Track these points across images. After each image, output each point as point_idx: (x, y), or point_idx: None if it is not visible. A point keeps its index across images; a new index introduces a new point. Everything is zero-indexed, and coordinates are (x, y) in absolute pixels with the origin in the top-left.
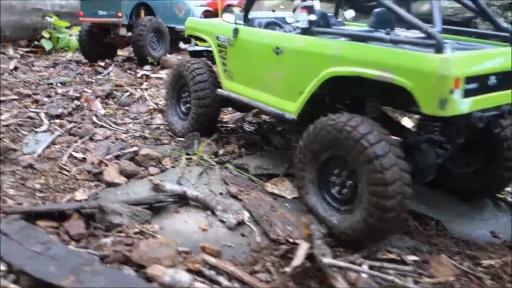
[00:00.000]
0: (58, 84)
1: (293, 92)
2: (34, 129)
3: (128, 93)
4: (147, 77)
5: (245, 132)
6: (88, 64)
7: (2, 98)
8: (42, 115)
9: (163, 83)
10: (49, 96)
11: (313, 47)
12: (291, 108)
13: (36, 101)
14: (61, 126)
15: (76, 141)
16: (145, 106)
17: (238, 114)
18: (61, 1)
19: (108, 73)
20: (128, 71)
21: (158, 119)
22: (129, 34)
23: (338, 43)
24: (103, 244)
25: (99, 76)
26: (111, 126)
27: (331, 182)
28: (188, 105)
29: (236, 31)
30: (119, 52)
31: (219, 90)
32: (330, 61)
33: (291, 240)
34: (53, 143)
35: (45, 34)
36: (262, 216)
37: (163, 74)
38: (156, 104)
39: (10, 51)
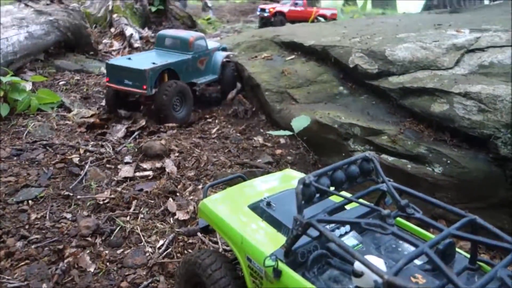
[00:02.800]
0: (30, 202)
1: None
2: None
3: (118, 227)
4: (131, 180)
5: None
6: (55, 155)
7: None
8: None
9: (151, 194)
10: (23, 238)
11: None
12: None
13: (7, 255)
14: None
15: None
16: (141, 254)
17: None
18: (13, 47)
19: (85, 175)
20: (107, 168)
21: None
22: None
23: None
24: None
25: (75, 183)
26: None
27: None
28: None
29: (278, 273)
30: None
31: None
32: None
33: None
34: None
35: None
36: None
37: (147, 166)
38: (153, 249)
39: None
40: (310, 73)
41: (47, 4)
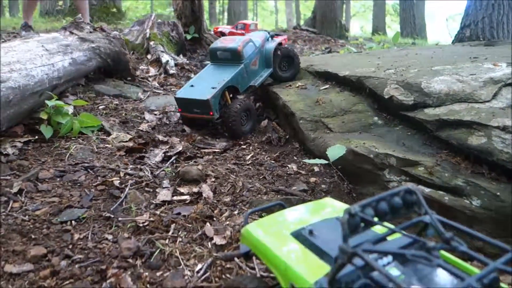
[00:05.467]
0: (73, 223)
1: None
2: None
3: (157, 250)
4: (169, 204)
5: None
6: (97, 179)
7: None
8: None
9: (188, 218)
10: (67, 257)
11: None
12: None
13: (52, 274)
14: None
15: None
16: (180, 277)
17: None
18: (58, 72)
19: (125, 198)
20: (146, 191)
21: None
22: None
23: None
24: None
25: (116, 205)
26: None
27: None
28: None
29: None
30: None
31: None
32: None
33: None
34: None
35: (43, 115)
36: None
37: (185, 191)
38: (191, 272)
39: (8, 148)
40: (344, 103)
41: (90, 32)
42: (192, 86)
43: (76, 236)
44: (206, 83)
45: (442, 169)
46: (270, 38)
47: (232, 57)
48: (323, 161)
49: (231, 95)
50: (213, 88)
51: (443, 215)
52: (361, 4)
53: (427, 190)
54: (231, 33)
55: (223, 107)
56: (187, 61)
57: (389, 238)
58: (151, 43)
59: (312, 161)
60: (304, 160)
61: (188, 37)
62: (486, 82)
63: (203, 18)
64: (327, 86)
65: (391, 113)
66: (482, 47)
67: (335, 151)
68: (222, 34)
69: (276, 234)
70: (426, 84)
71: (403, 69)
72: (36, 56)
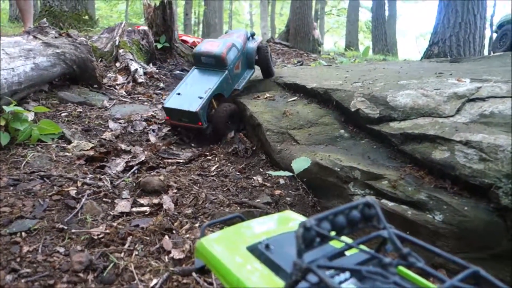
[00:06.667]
0: (23, 234)
1: None
2: None
3: (111, 264)
4: (127, 216)
5: None
6: (52, 192)
7: None
8: None
9: (146, 231)
10: (13, 271)
11: None
12: None
13: None
14: None
15: None
16: None
17: None
18: (19, 77)
19: (81, 209)
20: (104, 202)
21: None
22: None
23: None
24: None
25: (71, 216)
26: None
27: None
28: None
29: None
30: None
31: None
32: None
33: None
34: None
35: (0, 121)
36: None
37: (145, 202)
38: (146, 287)
39: None
40: (311, 115)
41: (56, 37)
42: (179, 94)
43: (26, 248)
44: (192, 91)
45: (406, 183)
46: (250, 37)
47: (216, 63)
48: (288, 173)
49: (216, 101)
50: (200, 98)
51: (406, 230)
52: (335, 20)
53: (390, 204)
54: (194, 42)
55: (209, 113)
56: (157, 70)
57: (348, 253)
58: (120, 51)
59: (276, 173)
60: (268, 172)
61: (159, 46)
62: (450, 97)
63: (174, 28)
64: (295, 98)
65: (357, 126)
66: (448, 64)
67: (300, 164)
68: (185, 42)
69: (231, 248)
70: (392, 98)
71: (370, 82)
72: None
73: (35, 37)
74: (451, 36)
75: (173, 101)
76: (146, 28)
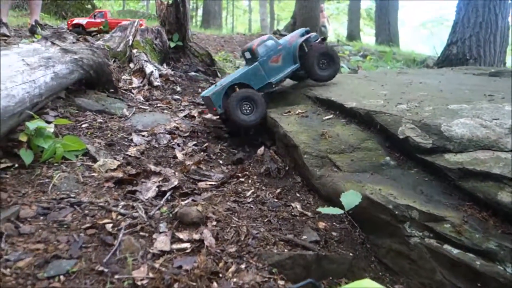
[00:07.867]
0: (61, 278)
1: None
2: None
3: None
4: (168, 254)
5: None
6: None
7: None
8: None
9: (192, 275)
10: None
11: None
12: None
13: None
14: None
15: None
16: None
17: None
18: (40, 89)
19: (119, 246)
20: (141, 237)
21: None
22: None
23: None
24: None
25: (109, 255)
26: None
27: None
28: None
29: None
30: None
31: None
32: None
33: None
34: None
35: (22, 137)
36: None
37: (184, 237)
38: None
39: None
40: (352, 138)
41: (73, 43)
42: (215, 85)
43: None
44: (221, 81)
45: (471, 228)
46: (305, 34)
47: (251, 56)
48: (339, 211)
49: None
50: (216, 85)
51: (475, 282)
52: (335, 7)
53: (455, 251)
54: (89, 23)
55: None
56: (172, 72)
57: None
58: (134, 51)
59: (326, 210)
60: (318, 209)
61: (172, 45)
62: (511, 129)
63: (188, 26)
64: (331, 116)
65: (404, 154)
66: (488, 78)
67: (351, 199)
68: (79, 25)
69: None
70: (447, 127)
71: (416, 105)
72: (16, 73)
73: (53, 43)
74: (471, 36)
75: (206, 91)
76: (159, 27)
